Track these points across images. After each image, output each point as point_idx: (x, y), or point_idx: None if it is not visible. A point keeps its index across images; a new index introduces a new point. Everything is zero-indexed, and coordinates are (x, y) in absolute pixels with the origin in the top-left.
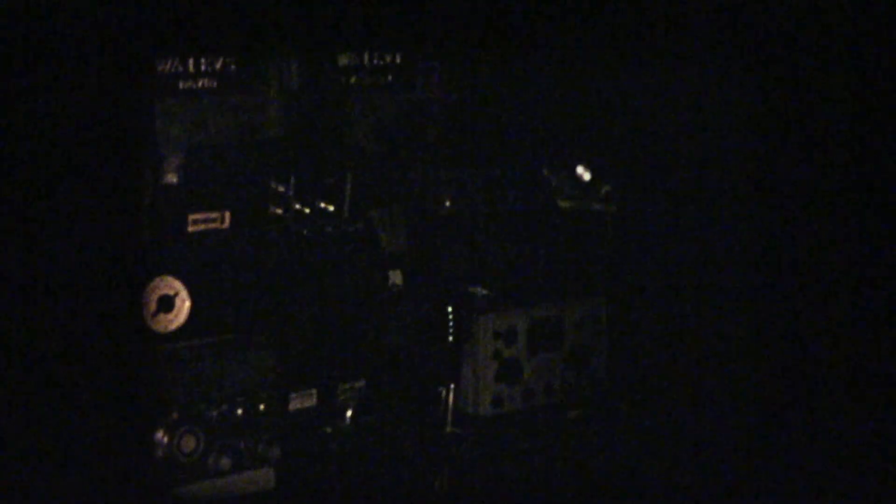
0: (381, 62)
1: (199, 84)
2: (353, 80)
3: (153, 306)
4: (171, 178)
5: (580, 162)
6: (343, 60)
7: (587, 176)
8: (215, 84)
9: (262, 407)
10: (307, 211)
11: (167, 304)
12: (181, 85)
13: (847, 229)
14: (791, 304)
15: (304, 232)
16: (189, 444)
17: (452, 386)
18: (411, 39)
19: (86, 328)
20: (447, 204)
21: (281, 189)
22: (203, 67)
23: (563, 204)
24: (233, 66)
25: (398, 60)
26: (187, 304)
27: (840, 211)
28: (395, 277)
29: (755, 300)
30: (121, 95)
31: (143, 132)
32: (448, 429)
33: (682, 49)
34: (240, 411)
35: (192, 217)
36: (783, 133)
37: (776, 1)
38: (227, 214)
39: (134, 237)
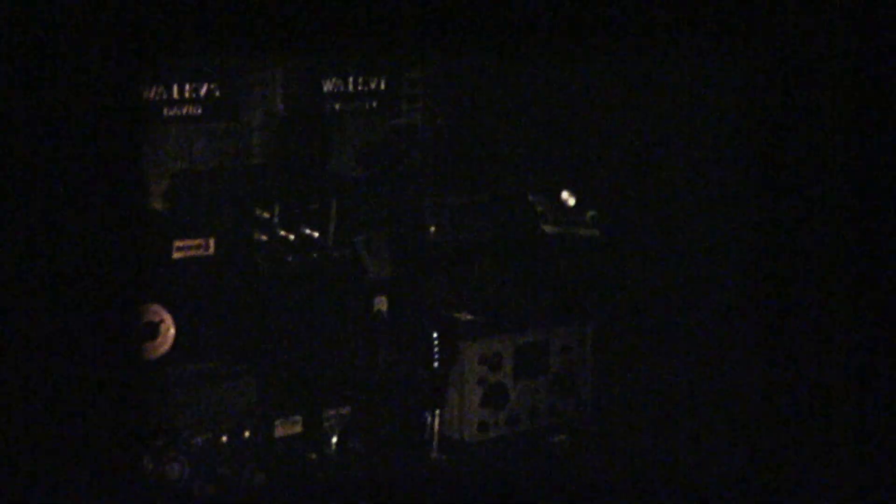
0: (366, 88)
1: (184, 111)
2: (337, 105)
3: None
4: (156, 205)
5: (565, 187)
6: (327, 86)
7: (572, 201)
8: (199, 111)
9: (246, 434)
10: (292, 237)
11: (152, 331)
12: (165, 112)
13: (839, 254)
14: (781, 328)
15: (289, 258)
16: (174, 471)
17: (438, 412)
18: (396, 64)
19: (73, 354)
20: (432, 230)
21: (266, 215)
22: (187, 94)
23: (548, 229)
24: (217, 93)
25: (382, 86)
26: (172, 331)
27: (830, 239)
28: (381, 304)
29: (743, 324)
30: (106, 121)
31: (128, 159)
32: (434, 455)
33: (665, 75)
34: (224, 438)
35: (176, 244)
36: (771, 156)
37: (761, 21)
38: (212, 241)
39: (120, 264)
